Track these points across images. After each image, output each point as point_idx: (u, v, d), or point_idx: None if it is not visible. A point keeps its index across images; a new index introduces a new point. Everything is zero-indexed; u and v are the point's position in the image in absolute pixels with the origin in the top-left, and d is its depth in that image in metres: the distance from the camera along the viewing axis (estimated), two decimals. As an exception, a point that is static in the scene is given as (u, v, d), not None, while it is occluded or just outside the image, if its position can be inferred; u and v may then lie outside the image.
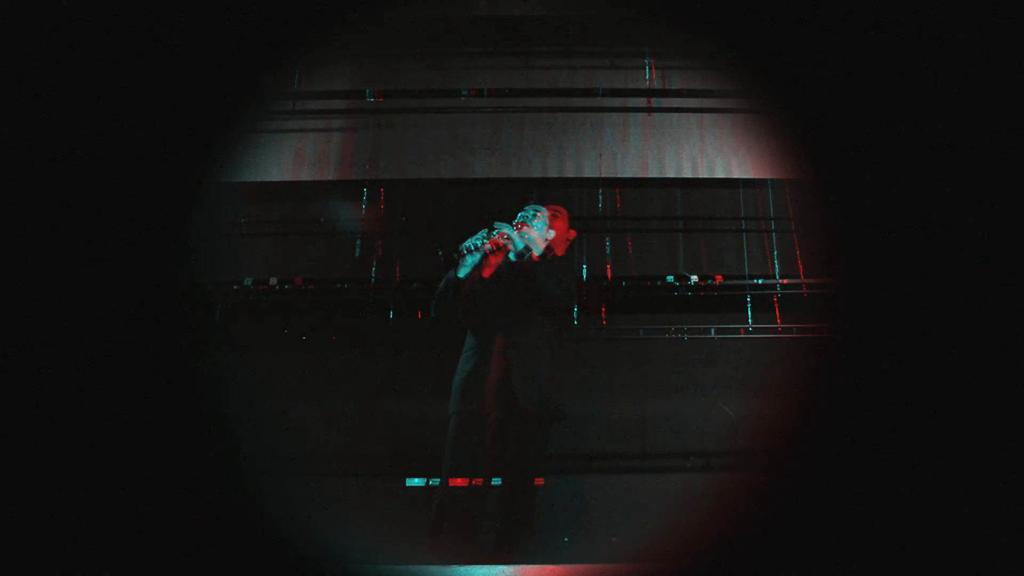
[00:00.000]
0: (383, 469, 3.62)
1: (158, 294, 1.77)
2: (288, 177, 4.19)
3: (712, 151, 4.17)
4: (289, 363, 3.87)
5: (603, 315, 4.03)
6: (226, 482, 1.89)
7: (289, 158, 4.20)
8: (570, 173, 4.19)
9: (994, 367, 1.63)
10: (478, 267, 2.64)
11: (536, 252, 2.58)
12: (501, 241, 2.63)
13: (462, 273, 2.64)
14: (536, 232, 2.62)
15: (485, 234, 2.67)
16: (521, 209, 2.77)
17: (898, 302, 1.71)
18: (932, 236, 1.70)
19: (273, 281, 4.03)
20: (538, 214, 2.69)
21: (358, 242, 4.14)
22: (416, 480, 3.47)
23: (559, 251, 2.86)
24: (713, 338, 3.97)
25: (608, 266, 4.10)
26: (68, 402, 1.64)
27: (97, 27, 1.74)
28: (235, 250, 4.08)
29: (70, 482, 1.62)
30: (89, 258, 1.70)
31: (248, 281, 4.01)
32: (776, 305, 4.00)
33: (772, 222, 4.13)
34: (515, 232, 2.60)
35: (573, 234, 2.94)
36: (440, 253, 2.70)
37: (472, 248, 2.63)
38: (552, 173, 4.18)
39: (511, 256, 2.61)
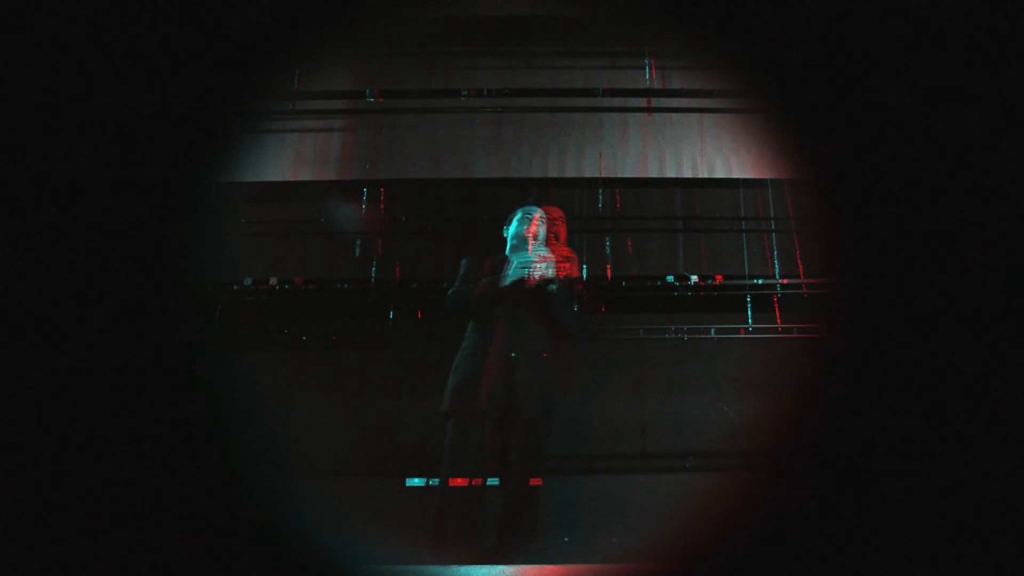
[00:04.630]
0: (383, 469, 3.62)
1: (157, 294, 1.77)
2: (288, 177, 4.19)
3: (712, 151, 4.17)
4: (289, 363, 3.87)
5: (603, 315, 4.03)
6: (225, 482, 1.89)
7: (289, 158, 4.19)
8: (570, 173, 4.18)
9: (995, 367, 1.63)
10: (523, 280, 2.64)
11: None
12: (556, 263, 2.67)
13: (506, 283, 2.64)
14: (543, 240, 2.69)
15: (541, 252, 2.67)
16: (520, 206, 2.79)
17: (898, 302, 1.71)
18: (933, 236, 1.70)
19: (273, 281, 4.02)
20: (535, 219, 2.72)
21: (358, 242, 4.14)
22: (416, 480, 3.47)
23: (574, 268, 2.87)
24: (713, 338, 3.96)
25: (608, 266, 4.10)
26: (67, 402, 1.64)
27: (96, 26, 1.74)
28: (235, 250, 4.08)
29: (68, 482, 1.62)
30: (88, 258, 1.70)
31: (248, 281, 4.01)
32: (776, 305, 4.00)
33: (772, 222, 4.13)
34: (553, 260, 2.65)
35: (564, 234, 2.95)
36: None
37: (545, 271, 2.64)
38: (552, 173, 4.18)
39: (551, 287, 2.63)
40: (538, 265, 2.62)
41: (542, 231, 2.72)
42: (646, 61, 4.26)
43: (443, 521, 2.53)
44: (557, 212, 2.86)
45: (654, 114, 4.23)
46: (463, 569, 2.08)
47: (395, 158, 4.22)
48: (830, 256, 1.89)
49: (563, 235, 2.83)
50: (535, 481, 2.63)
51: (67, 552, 1.60)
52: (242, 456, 2.06)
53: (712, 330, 3.97)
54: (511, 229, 2.76)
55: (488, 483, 2.58)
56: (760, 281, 4.02)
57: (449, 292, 2.71)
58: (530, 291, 2.62)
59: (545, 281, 2.62)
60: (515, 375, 2.55)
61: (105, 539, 1.63)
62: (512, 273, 2.62)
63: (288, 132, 4.21)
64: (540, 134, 4.23)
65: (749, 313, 3.99)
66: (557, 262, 2.64)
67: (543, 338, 2.63)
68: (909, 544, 1.63)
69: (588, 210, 4.20)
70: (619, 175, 4.18)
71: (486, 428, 2.54)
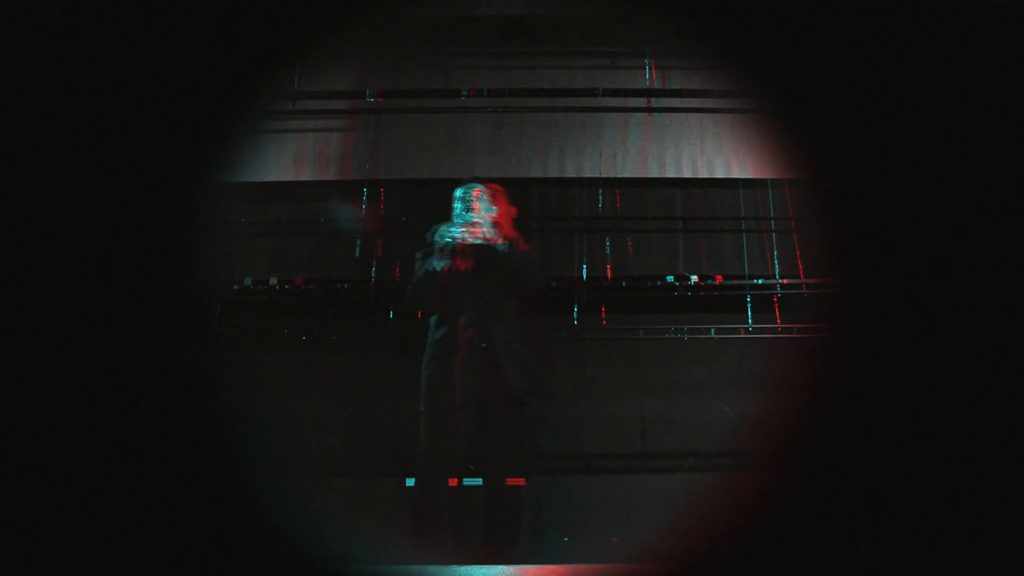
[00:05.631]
0: (383, 469, 3.62)
1: (157, 294, 1.77)
2: (288, 177, 4.19)
3: (712, 151, 4.17)
4: (289, 363, 3.87)
5: (603, 315, 4.03)
6: (225, 482, 1.89)
7: (289, 158, 4.20)
8: (570, 173, 4.19)
9: (995, 367, 1.63)
10: (454, 258, 2.60)
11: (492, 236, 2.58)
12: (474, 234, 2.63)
13: (438, 265, 2.59)
14: (483, 213, 2.65)
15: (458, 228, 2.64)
16: (464, 184, 2.77)
17: (898, 302, 1.71)
18: (932, 236, 1.70)
19: (273, 281, 4.03)
20: (476, 191, 2.69)
21: (358, 242, 4.14)
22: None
23: (508, 229, 2.80)
24: (713, 338, 3.97)
25: (608, 266, 4.10)
26: (67, 402, 1.64)
27: (96, 25, 1.74)
28: (235, 250, 4.08)
29: (68, 482, 1.62)
30: (88, 258, 1.70)
31: (248, 281, 4.01)
32: (776, 305, 4.00)
33: (772, 222, 4.13)
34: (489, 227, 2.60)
35: (515, 211, 2.91)
36: (418, 254, 2.70)
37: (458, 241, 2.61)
38: (552, 173, 4.19)
39: (499, 248, 2.59)
40: (460, 232, 2.58)
41: (482, 204, 2.67)
42: (646, 61, 4.26)
43: (419, 521, 2.46)
44: (494, 185, 2.82)
45: (654, 114, 4.23)
46: (463, 569, 2.08)
47: (395, 158, 4.22)
48: (830, 256, 1.89)
49: (502, 206, 2.79)
50: (518, 480, 2.59)
51: (65, 552, 1.60)
52: (242, 456, 2.06)
53: (712, 330, 3.97)
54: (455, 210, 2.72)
55: (468, 483, 2.55)
56: (760, 281, 4.02)
57: (404, 291, 2.68)
58: (472, 258, 2.55)
59: (486, 244, 2.57)
60: (487, 369, 2.46)
61: (104, 539, 1.63)
62: (439, 248, 2.56)
63: (288, 132, 4.21)
64: (540, 134, 4.23)
65: (749, 313, 3.99)
66: (488, 223, 2.58)
67: (513, 326, 2.56)
68: (909, 544, 1.63)
69: (588, 210, 4.20)
70: (619, 175, 4.18)
71: (461, 426, 2.45)
